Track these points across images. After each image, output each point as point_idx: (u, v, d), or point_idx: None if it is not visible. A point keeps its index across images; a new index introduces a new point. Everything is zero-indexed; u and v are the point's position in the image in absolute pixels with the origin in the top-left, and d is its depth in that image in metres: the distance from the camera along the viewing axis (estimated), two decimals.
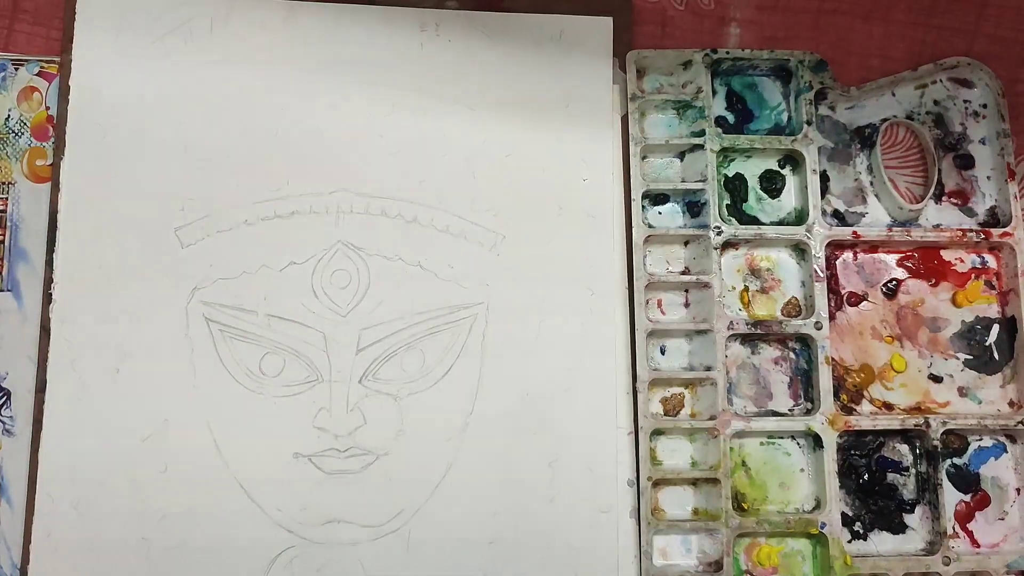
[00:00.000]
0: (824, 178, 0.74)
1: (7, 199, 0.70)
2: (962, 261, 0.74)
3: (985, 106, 0.76)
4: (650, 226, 0.72)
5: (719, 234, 0.71)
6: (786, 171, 0.75)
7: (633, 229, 0.71)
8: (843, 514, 0.70)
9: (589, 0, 0.75)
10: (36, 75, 0.72)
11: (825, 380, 0.70)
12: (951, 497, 0.71)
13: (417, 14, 0.74)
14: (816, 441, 0.70)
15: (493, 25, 0.74)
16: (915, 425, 0.70)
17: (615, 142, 0.73)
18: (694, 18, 0.77)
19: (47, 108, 0.72)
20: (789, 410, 0.71)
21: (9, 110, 0.72)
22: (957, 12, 0.78)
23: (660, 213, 0.74)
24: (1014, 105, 0.75)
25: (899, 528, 0.70)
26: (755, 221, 0.74)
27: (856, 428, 0.70)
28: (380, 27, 0.73)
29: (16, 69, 0.72)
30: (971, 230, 0.73)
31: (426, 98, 0.72)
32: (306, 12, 0.73)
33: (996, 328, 0.74)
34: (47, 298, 0.68)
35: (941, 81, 0.76)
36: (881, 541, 0.70)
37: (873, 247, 0.74)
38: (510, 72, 0.73)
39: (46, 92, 0.72)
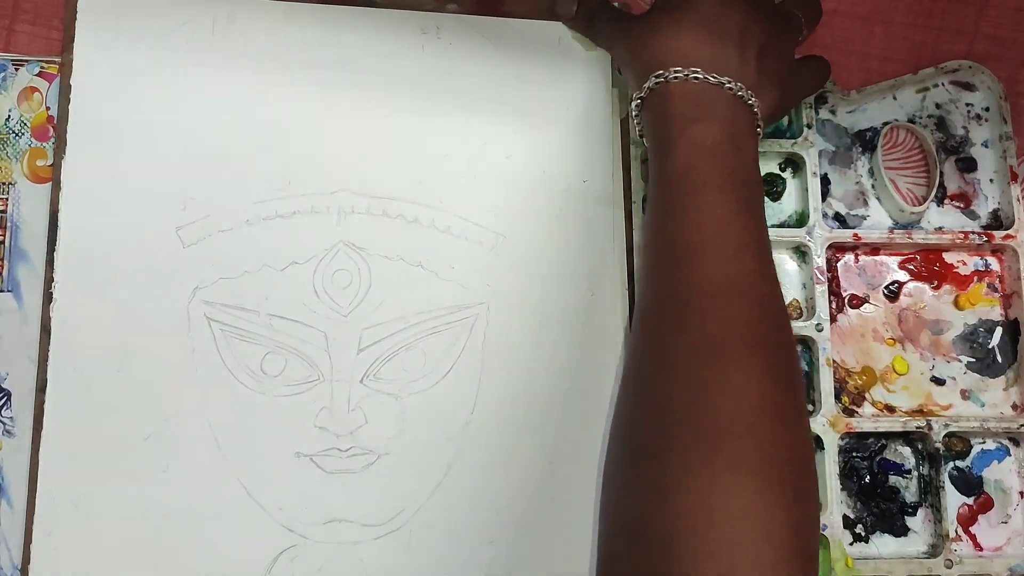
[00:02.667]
0: (825, 181, 0.76)
1: (7, 200, 0.71)
2: (964, 264, 0.76)
3: (987, 109, 0.77)
4: None
5: None
6: (787, 174, 0.76)
7: (634, 232, 0.73)
8: (845, 516, 0.71)
9: None
10: (36, 75, 0.73)
11: (826, 382, 0.71)
12: (953, 500, 0.72)
13: (418, 17, 0.75)
14: (817, 443, 0.70)
15: (493, 29, 0.75)
16: (917, 428, 0.71)
17: (614, 144, 0.74)
18: None
19: (47, 108, 0.72)
20: None
21: (9, 110, 0.72)
22: (957, 13, 0.79)
23: None
24: (1015, 106, 0.77)
25: (901, 531, 0.71)
26: None
27: (858, 430, 0.71)
28: (381, 30, 0.74)
29: (16, 69, 0.73)
30: (973, 232, 0.74)
31: (427, 99, 0.74)
32: (307, 14, 0.74)
33: (999, 331, 0.75)
34: (48, 298, 0.69)
35: (943, 84, 0.78)
36: (883, 544, 0.71)
37: (874, 249, 0.75)
38: (510, 75, 0.75)
39: (46, 92, 0.73)
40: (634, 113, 0.67)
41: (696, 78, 0.63)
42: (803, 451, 0.55)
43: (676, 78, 0.64)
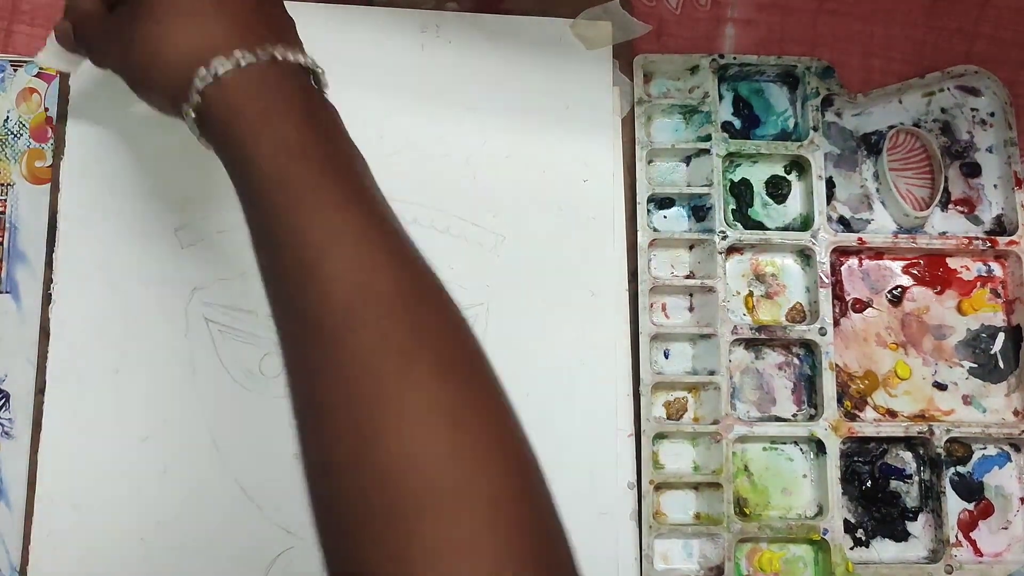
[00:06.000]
0: (830, 184, 0.78)
1: (6, 201, 0.74)
2: (968, 269, 0.78)
3: (992, 114, 0.80)
4: (655, 230, 0.76)
5: (724, 239, 0.75)
6: (792, 177, 0.79)
7: (638, 233, 0.75)
8: (845, 521, 0.73)
9: (588, 3, 0.78)
10: (35, 77, 0.75)
11: (829, 386, 0.74)
12: (954, 505, 0.74)
13: (417, 16, 0.77)
14: (819, 447, 0.73)
15: (493, 27, 0.77)
16: (919, 433, 0.74)
17: (615, 144, 0.77)
18: (690, 19, 0.81)
19: (46, 110, 0.75)
20: (792, 416, 0.75)
21: (8, 112, 0.75)
22: (957, 13, 0.81)
23: (665, 217, 0.78)
24: (1015, 106, 0.79)
25: (902, 536, 0.74)
26: (760, 226, 0.78)
27: (859, 435, 0.73)
28: (380, 29, 0.77)
29: (15, 71, 0.76)
30: (977, 238, 0.77)
31: (426, 99, 0.76)
32: (307, 13, 0.73)
33: (1001, 336, 0.77)
34: (47, 299, 0.71)
35: (948, 89, 0.80)
36: (883, 548, 0.74)
37: (878, 254, 0.78)
38: (510, 74, 0.77)
39: (45, 94, 0.75)
40: (196, 133, 0.56)
41: (250, 62, 0.53)
42: (471, 367, 0.51)
43: (227, 72, 0.53)
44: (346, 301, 0.49)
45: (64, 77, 0.74)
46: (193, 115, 0.54)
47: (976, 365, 0.77)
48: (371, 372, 0.47)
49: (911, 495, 0.75)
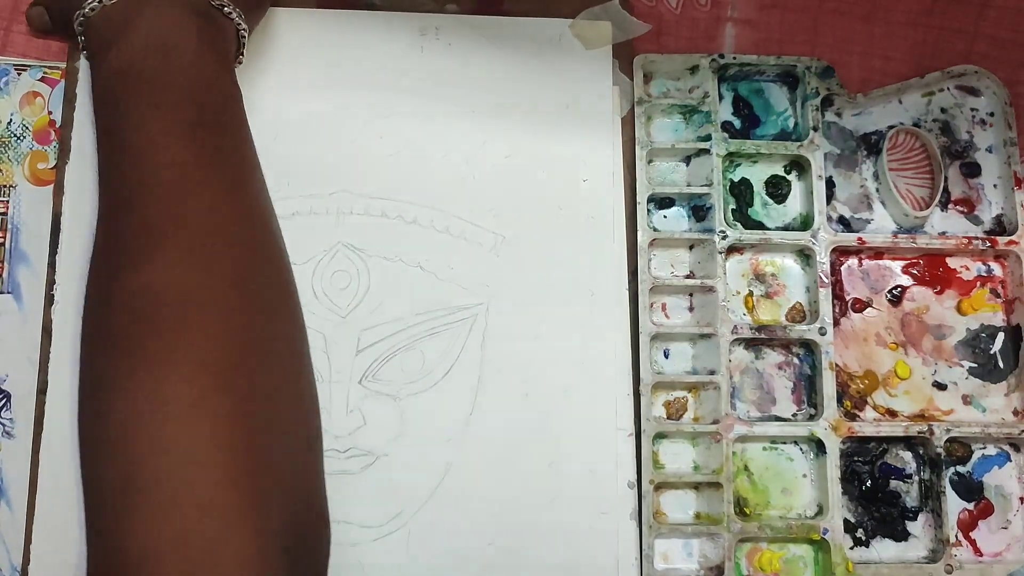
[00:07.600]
0: (830, 184, 0.78)
1: (8, 202, 0.73)
2: (967, 269, 0.78)
3: (992, 114, 0.79)
4: (655, 230, 0.76)
5: (724, 238, 0.75)
6: (792, 177, 0.79)
7: (638, 232, 0.75)
8: (845, 520, 0.73)
9: (588, 3, 0.78)
10: (39, 80, 0.75)
11: (829, 386, 0.73)
12: (954, 505, 0.74)
13: (417, 19, 0.77)
14: (819, 447, 0.73)
15: (493, 29, 0.77)
16: (919, 432, 0.73)
17: (615, 144, 0.76)
18: (690, 19, 0.81)
19: (49, 113, 0.75)
20: (792, 415, 0.75)
21: (11, 114, 0.75)
22: (957, 13, 0.81)
23: (665, 217, 0.78)
24: (1014, 106, 0.79)
25: (901, 535, 0.73)
26: (760, 226, 0.78)
27: (859, 434, 0.73)
28: (381, 32, 0.77)
29: (19, 74, 0.75)
30: (977, 238, 0.76)
31: (426, 100, 0.76)
32: (307, 17, 0.77)
33: (1001, 336, 0.77)
34: (49, 300, 0.71)
35: (948, 89, 0.80)
36: (883, 548, 0.73)
37: (878, 253, 0.77)
38: (510, 74, 0.77)
39: (48, 97, 0.75)
40: (83, 54, 0.69)
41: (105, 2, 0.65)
42: (242, 335, 0.58)
43: (92, 10, 0.65)
44: (128, 194, 0.60)
45: (71, 80, 0.74)
46: (81, 40, 0.67)
47: (976, 365, 0.77)
48: (125, 252, 0.59)
49: (911, 495, 0.75)
